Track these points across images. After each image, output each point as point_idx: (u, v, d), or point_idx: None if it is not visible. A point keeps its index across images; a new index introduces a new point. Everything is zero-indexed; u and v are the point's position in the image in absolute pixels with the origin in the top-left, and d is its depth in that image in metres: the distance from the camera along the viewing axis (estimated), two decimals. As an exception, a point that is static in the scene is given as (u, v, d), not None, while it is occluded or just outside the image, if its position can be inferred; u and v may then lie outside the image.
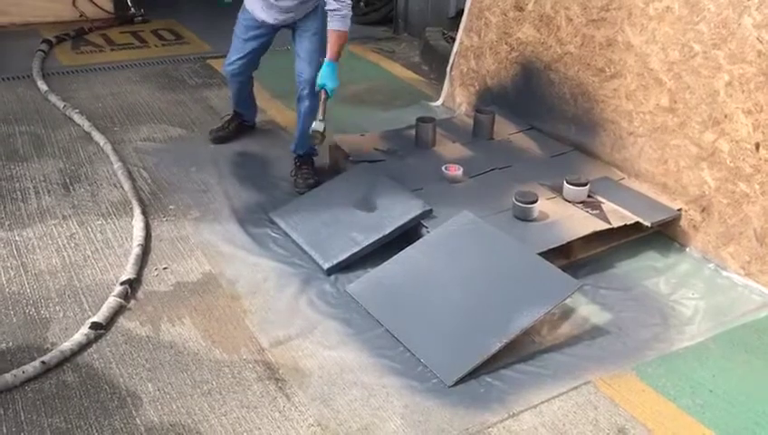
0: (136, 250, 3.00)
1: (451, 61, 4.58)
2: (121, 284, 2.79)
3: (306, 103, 3.46)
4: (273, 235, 3.21)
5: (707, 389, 2.44)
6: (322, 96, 3.22)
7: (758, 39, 2.82)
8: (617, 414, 2.32)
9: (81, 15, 6.04)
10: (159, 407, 2.28)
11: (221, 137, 4.07)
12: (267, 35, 3.61)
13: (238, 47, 3.67)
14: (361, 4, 6.48)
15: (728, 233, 3.02)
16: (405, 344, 2.57)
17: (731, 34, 2.93)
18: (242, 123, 4.14)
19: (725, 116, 2.97)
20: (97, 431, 2.19)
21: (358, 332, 2.65)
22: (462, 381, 2.42)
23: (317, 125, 3.19)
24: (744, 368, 2.53)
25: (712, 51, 3.00)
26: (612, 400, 2.37)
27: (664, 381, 2.46)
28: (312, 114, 3.35)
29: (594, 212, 3.11)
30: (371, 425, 2.25)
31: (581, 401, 2.37)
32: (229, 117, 4.14)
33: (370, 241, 2.99)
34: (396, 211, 3.07)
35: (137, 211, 3.28)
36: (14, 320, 2.64)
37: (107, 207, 3.38)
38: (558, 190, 3.26)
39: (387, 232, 3.00)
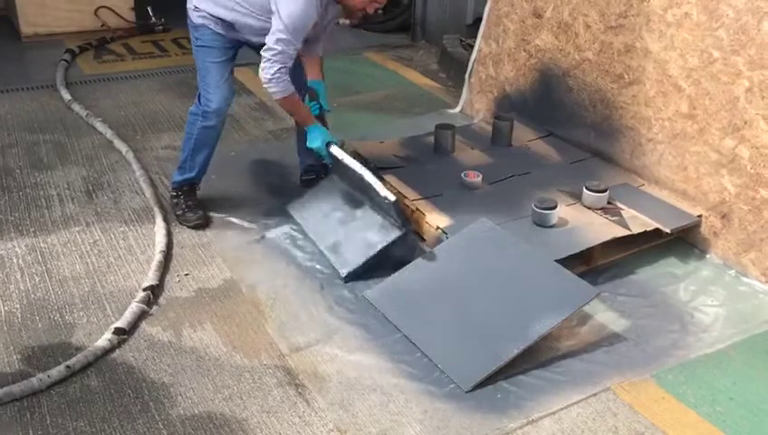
0: (158, 257, 3.04)
1: (469, 68, 4.59)
2: (144, 290, 2.83)
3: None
4: (294, 235, 3.24)
5: (728, 396, 2.42)
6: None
7: (778, 45, 2.81)
8: (636, 422, 2.31)
9: (102, 25, 6.11)
10: (181, 411, 2.31)
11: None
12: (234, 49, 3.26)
13: (220, 72, 3.30)
14: (379, 12, 6.50)
15: (749, 240, 3.00)
16: (422, 350, 2.58)
17: (750, 40, 2.91)
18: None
19: (745, 122, 2.96)
20: (120, 435, 2.23)
21: (376, 337, 2.67)
22: (479, 386, 2.42)
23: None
24: (765, 376, 2.52)
25: (731, 57, 2.99)
26: (632, 407, 2.37)
27: (684, 388, 2.45)
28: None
29: (614, 218, 3.11)
30: (390, 430, 2.27)
31: (600, 407, 2.37)
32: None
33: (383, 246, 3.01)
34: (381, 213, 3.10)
35: (158, 218, 3.32)
36: (40, 325, 2.68)
37: (129, 215, 3.43)
38: (577, 197, 3.26)
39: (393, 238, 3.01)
